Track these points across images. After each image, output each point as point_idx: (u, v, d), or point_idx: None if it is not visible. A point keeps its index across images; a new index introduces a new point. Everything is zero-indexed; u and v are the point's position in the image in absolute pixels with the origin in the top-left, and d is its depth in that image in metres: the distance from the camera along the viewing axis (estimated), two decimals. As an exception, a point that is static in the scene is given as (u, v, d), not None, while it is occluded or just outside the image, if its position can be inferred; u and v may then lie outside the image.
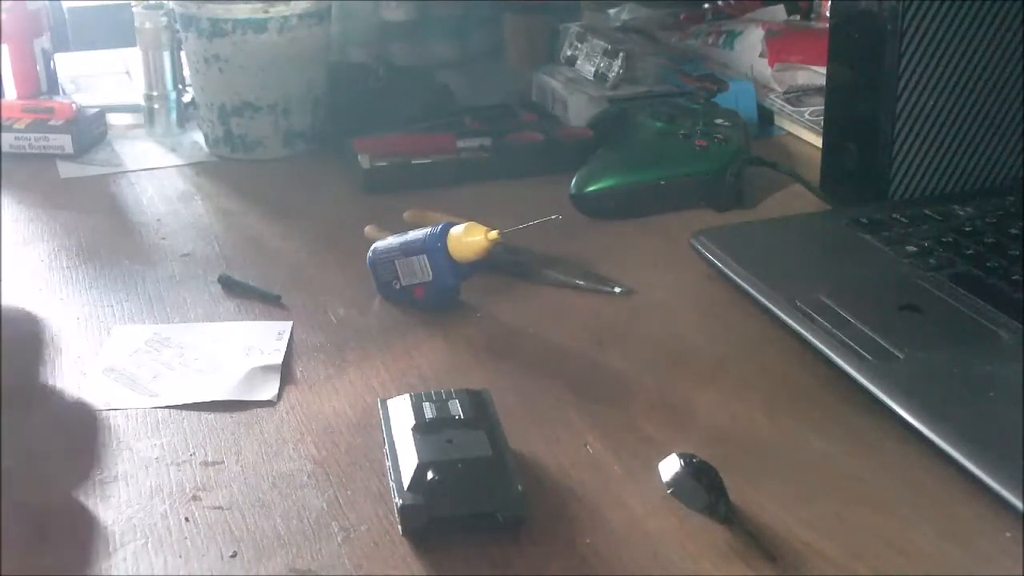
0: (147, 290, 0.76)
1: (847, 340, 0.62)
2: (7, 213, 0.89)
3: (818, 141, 0.89)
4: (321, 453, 0.57)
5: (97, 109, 1.08)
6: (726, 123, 0.91)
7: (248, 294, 0.75)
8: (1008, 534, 0.50)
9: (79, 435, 0.59)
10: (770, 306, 0.67)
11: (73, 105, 1.05)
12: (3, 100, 1.09)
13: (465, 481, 0.50)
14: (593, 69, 1.06)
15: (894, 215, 0.77)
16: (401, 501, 0.50)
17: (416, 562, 0.49)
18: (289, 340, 0.68)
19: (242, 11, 0.96)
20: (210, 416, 0.61)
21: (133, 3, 1.06)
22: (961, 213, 0.77)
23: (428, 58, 1.24)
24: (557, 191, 0.86)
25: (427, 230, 0.70)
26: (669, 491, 0.51)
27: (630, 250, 0.80)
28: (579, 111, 1.02)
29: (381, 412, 0.57)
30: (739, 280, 0.71)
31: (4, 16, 1.10)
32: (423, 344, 0.68)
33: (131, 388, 0.64)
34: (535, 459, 0.56)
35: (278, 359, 0.66)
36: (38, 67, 1.15)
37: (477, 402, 0.55)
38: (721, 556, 0.49)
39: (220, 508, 0.53)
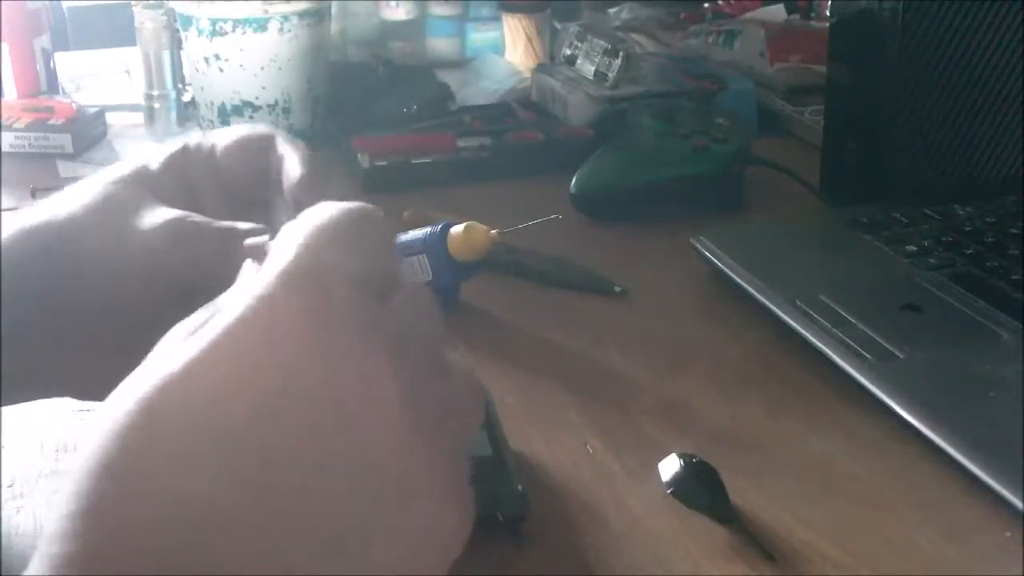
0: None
1: (847, 340, 0.62)
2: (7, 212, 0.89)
3: (818, 141, 0.89)
4: (321, 453, 0.57)
5: (97, 108, 1.08)
6: (726, 123, 0.91)
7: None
8: (1008, 534, 0.50)
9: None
10: (770, 306, 0.67)
11: (73, 104, 1.05)
12: (3, 99, 1.09)
13: (465, 481, 0.50)
14: (593, 69, 1.05)
15: (894, 215, 0.77)
16: (401, 501, 0.50)
17: (416, 562, 0.49)
18: (289, 340, 0.68)
19: (242, 10, 0.96)
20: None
21: (133, 2, 1.06)
22: (961, 213, 0.77)
23: (428, 58, 1.24)
24: (557, 191, 0.86)
25: (427, 230, 0.70)
26: (669, 491, 0.51)
27: (630, 250, 0.80)
28: (579, 111, 1.02)
29: (381, 412, 0.57)
30: (739, 280, 0.71)
31: (4, 16, 1.11)
32: (423, 344, 0.68)
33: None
34: (535, 459, 0.56)
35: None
36: (38, 66, 1.15)
37: (477, 402, 0.55)
38: (721, 556, 0.49)
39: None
